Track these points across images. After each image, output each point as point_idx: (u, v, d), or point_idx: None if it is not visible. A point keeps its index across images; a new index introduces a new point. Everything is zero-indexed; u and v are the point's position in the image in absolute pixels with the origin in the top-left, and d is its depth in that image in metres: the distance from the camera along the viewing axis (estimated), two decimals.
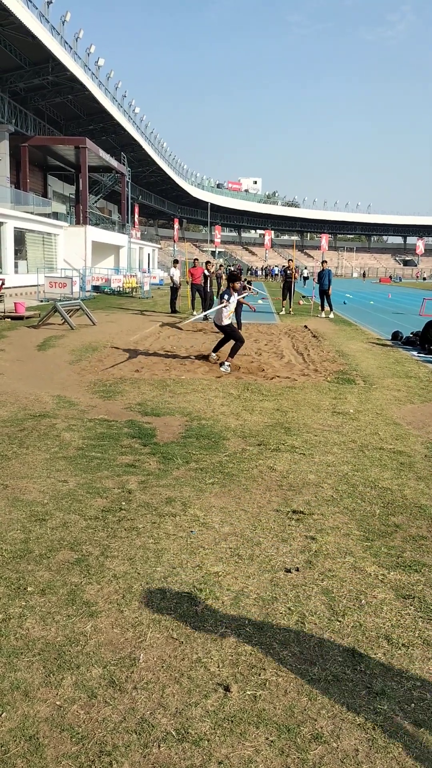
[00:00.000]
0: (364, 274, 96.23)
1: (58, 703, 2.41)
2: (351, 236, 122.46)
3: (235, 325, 11.55)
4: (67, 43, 35.05)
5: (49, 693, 2.46)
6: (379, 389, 8.67)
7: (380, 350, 12.97)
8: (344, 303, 29.24)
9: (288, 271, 22.22)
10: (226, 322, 10.49)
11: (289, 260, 22.78)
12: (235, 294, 10.71)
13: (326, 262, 21.37)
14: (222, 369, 10.03)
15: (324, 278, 20.50)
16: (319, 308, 21.36)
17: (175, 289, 21.29)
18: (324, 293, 20.64)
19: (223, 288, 21.41)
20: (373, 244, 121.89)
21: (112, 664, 2.64)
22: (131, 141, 51.17)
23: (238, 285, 10.73)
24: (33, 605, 3.07)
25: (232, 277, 10.74)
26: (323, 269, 20.56)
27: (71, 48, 35.91)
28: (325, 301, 20.77)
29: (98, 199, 49.93)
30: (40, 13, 30.78)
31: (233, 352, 10.34)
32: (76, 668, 2.61)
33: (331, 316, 20.74)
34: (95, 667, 2.62)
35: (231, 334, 10.58)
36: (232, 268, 38.06)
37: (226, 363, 10.16)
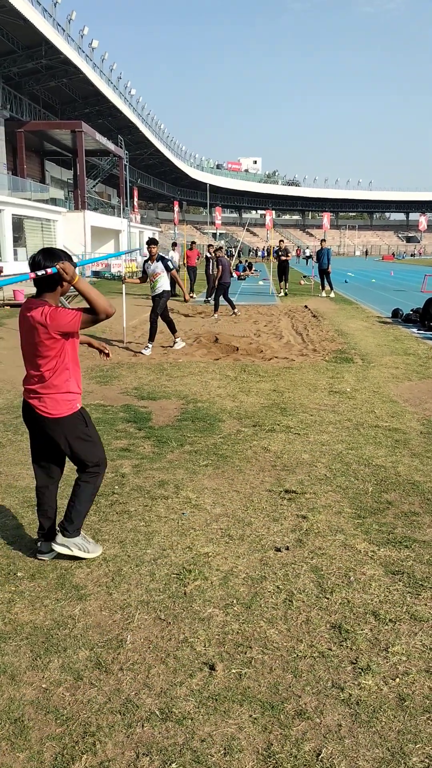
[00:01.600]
0: (366, 252, 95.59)
1: (44, 685, 2.43)
2: (353, 214, 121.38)
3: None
4: (59, 26, 34.56)
5: (35, 676, 2.48)
6: (377, 367, 8.63)
7: (380, 328, 12.90)
8: (345, 282, 29.04)
9: (280, 252, 21.01)
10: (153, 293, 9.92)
11: (280, 240, 21.83)
12: (154, 263, 9.70)
13: (325, 240, 21.14)
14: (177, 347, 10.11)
15: (323, 257, 20.32)
16: (320, 288, 21.17)
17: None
18: (324, 272, 20.49)
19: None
20: (375, 221, 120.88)
21: (99, 646, 2.66)
22: (128, 123, 50.65)
23: (154, 250, 9.74)
24: (23, 590, 3.09)
25: (150, 242, 9.84)
26: (322, 248, 20.38)
27: (64, 30, 35.41)
28: (325, 280, 20.61)
29: (96, 184, 49.57)
30: None
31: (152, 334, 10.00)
32: (63, 651, 2.63)
33: (332, 295, 20.60)
34: (82, 649, 2.64)
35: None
36: (233, 250, 37.68)
37: (178, 341, 10.25)
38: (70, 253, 3.28)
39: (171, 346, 10.27)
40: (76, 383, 3.22)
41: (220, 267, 14.75)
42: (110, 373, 8.24)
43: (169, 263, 9.97)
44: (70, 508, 3.30)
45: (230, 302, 15.27)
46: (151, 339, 9.98)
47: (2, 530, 3.72)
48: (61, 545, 3.27)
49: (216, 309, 15.12)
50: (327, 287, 20.73)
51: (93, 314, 3.03)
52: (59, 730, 2.21)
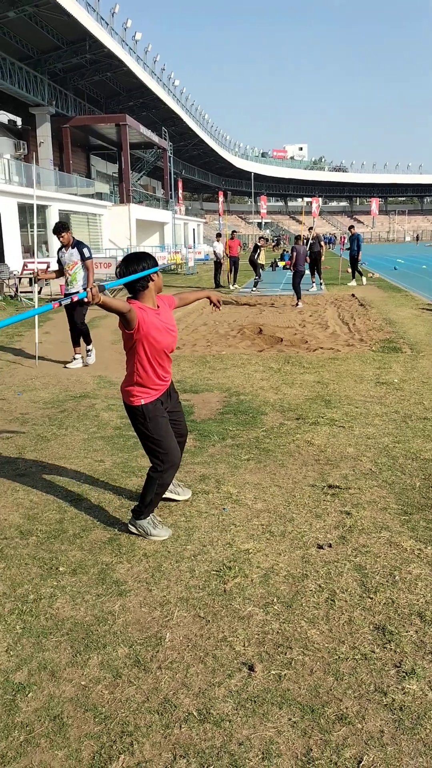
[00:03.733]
0: (417, 238, 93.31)
1: (83, 683, 2.43)
2: (402, 199, 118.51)
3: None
4: (103, 19, 34.74)
5: (75, 673, 2.49)
6: (427, 357, 8.38)
7: (430, 316, 12.54)
8: (395, 269, 28.41)
9: (312, 241, 18.61)
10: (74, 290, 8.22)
11: (309, 228, 19.73)
12: (69, 250, 8.05)
13: (353, 227, 20.47)
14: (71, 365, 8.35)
15: (353, 244, 19.73)
16: (359, 275, 20.51)
17: (218, 264, 21.15)
18: (353, 259, 19.97)
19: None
20: (426, 205, 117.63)
21: (138, 643, 2.65)
22: (172, 115, 50.66)
23: (66, 236, 7.97)
24: (64, 585, 3.11)
25: (56, 228, 8.04)
26: (353, 234, 19.75)
27: (108, 24, 35.58)
28: (356, 267, 20.15)
29: (141, 177, 49.86)
30: None
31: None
32: (102, 648, 2.63)
33: (352, 283, 20.11)
34: (122, 646, 2.64)
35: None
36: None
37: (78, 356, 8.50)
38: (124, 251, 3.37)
39: (66, 363, 8.51)
40: (148, 380, 3.42)
41: (294, 254, 14.80)
42: None
43: (86, 250, 8.05)
44: (141, 495, 3.61)
45: (298, 292, 15.16)
46: (88, 342, 8.49)
47: (46, 524, 3.77)
48: (130, 524, 3.63)
49: (298, 297, 15.09)
50: (357, 275, 20.24)
51: (120, 315, 3.23)
52: (97, 728, 2.21)
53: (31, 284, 15.89)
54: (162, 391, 3.52)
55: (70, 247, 8.03)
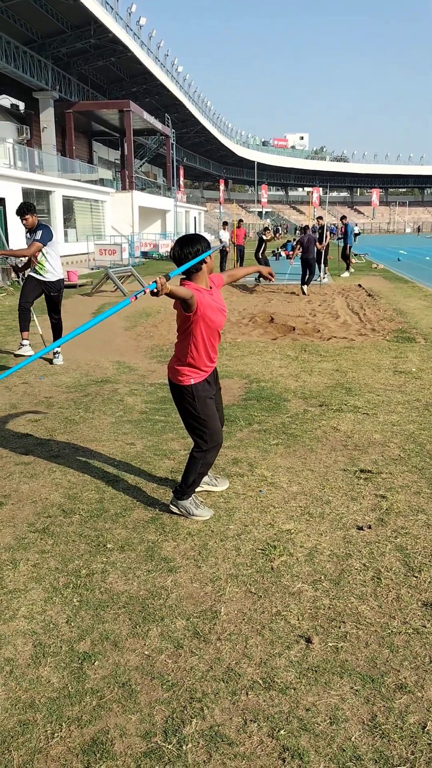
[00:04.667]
0: (418, 229, 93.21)
1: (146, 652, 2.52)
2: (403, 190, 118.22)
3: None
4: (108, 4, 34.39)
5: (136, 643, 2.57)
6: None
7: None
8: (398, 260, 28.43)
9: (320, 232, 17.38)
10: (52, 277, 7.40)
11: (318, 218, 18.78)
12: (32, 234, 7.15)
13: (345, 217, 20.57)
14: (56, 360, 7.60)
15: (348, 233, 19.83)
16: (345, 265, 20.62)
17: (224, 252, 21.14)
18: (344, 249, 20.10)
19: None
20: (427, 197, 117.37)
21: (195, 616, 2.73)
22: (175, 101, 50.36)
23: (30, 219, 7.10)
24: (114, 561, 3.19)
25: (20, 210, 7.10)
26: (345, 224, 19.80)
27: (112, 9, 35.26)
28: (346, 257, 20.27)
29: (143, 163, 49.61)
30: None
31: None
32: (160, 620, 2.71)
33: (346, 274, 20.21)
34: (179, 619, 2.72)
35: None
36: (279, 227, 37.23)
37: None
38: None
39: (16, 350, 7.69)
40: (200, 361, 3.48)
41: (299, 244, 15.29)
42: (171, 353, 8.28)
43: (39, 233, 7.04)
44: (183, 475, 3.67)
45: (304, 280, 15.32)
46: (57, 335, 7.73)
47: (87, 503, 3.84)
48: (172, 504, 3.70)
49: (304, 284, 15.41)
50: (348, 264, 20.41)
51: (182, 302, 3.28)
52: (166, 695, 2.29)
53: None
54: (210, 372, 3.58)
55: (35, 230, 7.13)
